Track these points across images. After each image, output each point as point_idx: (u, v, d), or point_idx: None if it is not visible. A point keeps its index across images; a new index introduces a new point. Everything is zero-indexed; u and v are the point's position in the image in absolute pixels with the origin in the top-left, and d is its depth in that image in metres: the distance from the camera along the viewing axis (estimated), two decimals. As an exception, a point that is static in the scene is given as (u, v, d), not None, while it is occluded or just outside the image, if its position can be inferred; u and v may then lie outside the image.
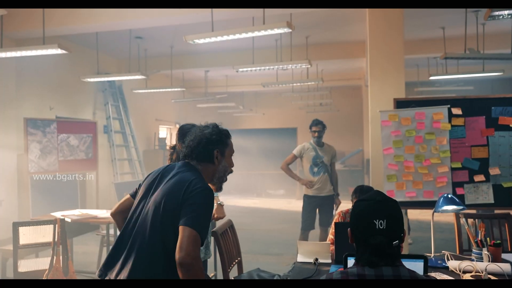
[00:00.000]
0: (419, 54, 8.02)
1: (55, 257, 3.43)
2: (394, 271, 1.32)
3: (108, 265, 1.81)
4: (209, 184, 1.84)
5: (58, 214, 4.28)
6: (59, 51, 4.69)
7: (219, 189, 1.99)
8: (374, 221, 1.34)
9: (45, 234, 3.58)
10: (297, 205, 9.70)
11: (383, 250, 1.32)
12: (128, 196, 2.01)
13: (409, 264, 1.74)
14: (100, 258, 4.92)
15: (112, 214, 2.03)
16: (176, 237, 1.65)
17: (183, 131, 2.58)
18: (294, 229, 6.55)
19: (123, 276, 1.72)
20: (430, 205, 4.01)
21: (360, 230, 1.36)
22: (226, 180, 1.98)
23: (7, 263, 3.94)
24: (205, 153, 1.88)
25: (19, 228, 3.50)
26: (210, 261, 4.01)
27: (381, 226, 1.33)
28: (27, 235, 3.53)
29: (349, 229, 1.42)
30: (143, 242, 1.73)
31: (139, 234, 1.76)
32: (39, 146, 6.06)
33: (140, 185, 1.96)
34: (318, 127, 4.84)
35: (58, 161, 6.30)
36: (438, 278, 2.21)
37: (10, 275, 3.68)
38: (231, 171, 1.99)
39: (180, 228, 1.65)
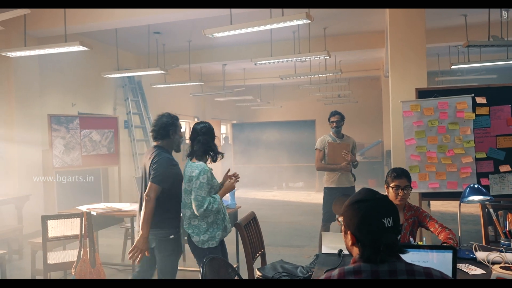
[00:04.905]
0: (440, 42, 7.86)
1: (82, 249, 3.52)
2: (390, 265, 1.32)
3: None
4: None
5: (83, 208, 4.38)
6: (80, 48, 4.77)
7: (178, 150, 3.14)
8: (383, 220, 1.32)
9: (73, 227, 3.67)
10: (317, 197, 9.69)
11: (394, 247, 1.32)
12: None
13: (437, 256, 1.74)
14: (124, 250, 5.02)
15: None
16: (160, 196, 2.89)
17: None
18: (314, 221, 6.55)
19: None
20: (453, 196, 3.96)
21: (368, 231, 1.34)
22: (181, 144, 3.15)
23: (36, 255, 4.06)
24: (164, 133, 3.04)
25: (48, 221, 3.60)
26: (233, 252, 4.06)
27: (389, 224, 1.32)
28: (55, 228, 3.63)
29: (349, 232, 1.39)
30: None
31: None
32: (63, 141, 6.20)
33: None
34: (336, 117, 4.81)
35: (81, 156, 6.44)
36: (466, 270, 2.19)
37: (39, 267, 3.80)
38: (183, 140, 3.20)
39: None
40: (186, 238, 2.96)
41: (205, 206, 2.73)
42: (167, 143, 3.04)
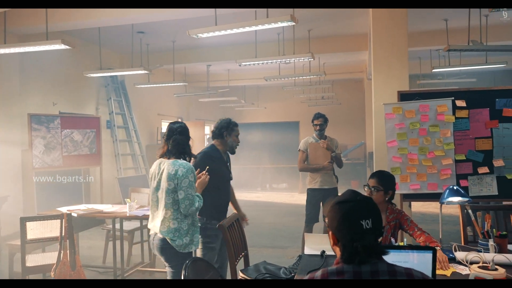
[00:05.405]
0: (421, 46, 7.99)
1: (62, 251, 3.46)
2: (374, 266, 1.33)
3: None
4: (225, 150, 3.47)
5: (63, 209, 4.31)
6: (62, 46, 4.68)
7: (232, 152, 3.50)
8: (361, 221, 1.34)
9: (52, 229, 3.60)
10: (300, 198, 9.73)
11: (372, 249, 1.33)
12: None
13: (418, 256, 1.76)
14: (106, 253, 4.95)
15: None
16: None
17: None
18: (297, 222, 6.58)
19: None
20: (434, 197, 4.03)
21: (347, 232, 1.36)
22: (235, 147, 3.48)
23: (14, 258, 3.97)
24: (219, 133, 3.42)
25: (26, 223, 3.52)
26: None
27: (368, 225, 1.33)
28: (34, 230, 3.56)
29: (330, 232, 1.41)
30: None
31: None
32: (43, 141, 6.08)
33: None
34: (320, 120, 4.85)
35: (62, 156, 6.33)
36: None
37: (18, 270, 3.71)
38: (238, 144, 3.50)
39: None
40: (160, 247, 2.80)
41: (196, 204, 2.71)
42: (220, 143, 3.42)
